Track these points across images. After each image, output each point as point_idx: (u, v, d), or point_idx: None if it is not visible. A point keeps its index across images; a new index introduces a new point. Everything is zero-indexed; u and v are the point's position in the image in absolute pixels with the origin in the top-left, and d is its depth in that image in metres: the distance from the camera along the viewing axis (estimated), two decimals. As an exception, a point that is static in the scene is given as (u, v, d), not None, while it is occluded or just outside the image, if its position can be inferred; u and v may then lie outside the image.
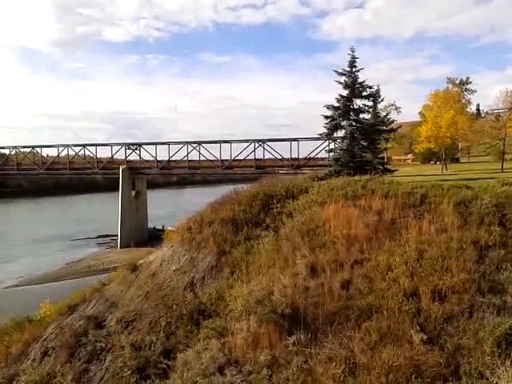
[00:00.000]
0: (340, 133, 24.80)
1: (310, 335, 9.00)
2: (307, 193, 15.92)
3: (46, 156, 64.68)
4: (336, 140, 30.91)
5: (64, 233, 60.41)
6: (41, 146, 61.82)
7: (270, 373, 8.60)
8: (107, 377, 11.68)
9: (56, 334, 13.89)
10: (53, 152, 63.85)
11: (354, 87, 23.62)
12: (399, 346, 8.21)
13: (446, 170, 36.36)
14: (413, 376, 7.52)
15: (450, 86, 58.00)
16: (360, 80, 23.76)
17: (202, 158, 52.35)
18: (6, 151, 67.00)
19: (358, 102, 24.13)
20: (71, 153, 58.66)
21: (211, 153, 51.79)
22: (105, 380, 11.66)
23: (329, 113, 24.08)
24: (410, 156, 67.71)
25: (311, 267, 10.95)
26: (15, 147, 63.42)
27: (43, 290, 32.67)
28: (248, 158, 49.47)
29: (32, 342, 14.35)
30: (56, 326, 14.34)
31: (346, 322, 9.18)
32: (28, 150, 63.22)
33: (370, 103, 25.19)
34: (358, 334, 8.72)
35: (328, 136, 26.60)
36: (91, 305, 14.57)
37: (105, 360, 12.14)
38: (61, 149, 59.10)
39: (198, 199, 40.86)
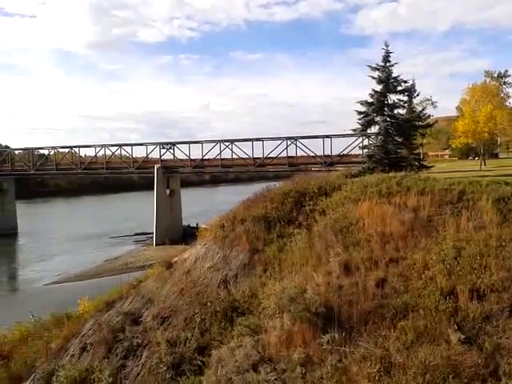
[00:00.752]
0: (374, 129, 24.47)
1: (344, 334, 8.93)
2: (340, 190, 15.76)
3: (83, 156, 66.39)
4: (370, 136, 30.52)
5: (101, 231, 61.93)
6: (78, 146, 63.53)
7: (304, 371, 8.57)
8: (143, 372, 11.86)
9: (94, 330, 14.20)
10: (90, 152, 65.58)
11: (388, 82, 23.23)
12: (436, 345, 8.04)
13: (485, 165, 35.32)
14: (450, 376, 7.35)
15: (488, 80, 56.08)
16: (394, 74, 23.36)
17: (235, 157, 52.65)
18: (46, 151, 69.23)
19: (393, 97, 23.75)
20: (108, 153, 60.04)
21: (243, 151, 52.03)
22: (141, 376, 11.85)
23: (362, 108, 23.79)
24: (447, 152, 66.11)
25: (345, 265, 10.84)
26: (54, 147, 65.38)
27: (81, 287, 33.57)
28: (280, 155, 49.42)
29: (71, 337, 14.70)
30: (94, 322, 14.67)
31: (381, 321, 9.05)
32: (66, 150, 65.07)
33: (405, 98, 24.77)
34: (394, 333, 8.59)
35: (362, 132, 26.29)
36: (128, 301, 14.85)
37: (141, 356, 12.34)
38: (98, 149, 60.60)
39: (230, 197, 41.13)
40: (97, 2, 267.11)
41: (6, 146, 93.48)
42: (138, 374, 11.85)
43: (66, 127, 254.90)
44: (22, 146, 74.74)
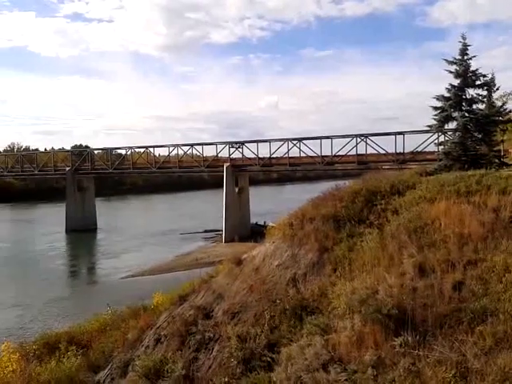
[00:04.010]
0: (451, 125, 23.37)
1: (418, 337, 8.64)
2: (414, 189, 15.20)
3: (158, 155, 69.16)
4: (446, 133, 29.20)
5: (173, 227, 64.24)
6: (153, 146, 66.37)
7: (375, 373, 8.40)
8: (214, 366, 12.11)
9: (168, 322, 14.73)
10: (164, 152, 68.36)
11: (466, 76, 22.07)
12: (517, 352, 7.58)
13: None
14: (532, 386, 6.91)
15: None
16: (473, 68, 22.15)
17: (303, 155, 52.47)
18: (123, 151, 72.82)
19: (471, 92, 22.54)
20: (180, 152, 62.20)
21: (312, 149, 51.72)
22: (212, 369, 12.10)
23: (438, 104, 22.78)
24: (530, 148, 61.78)
25: (419, 267, 10.47)
26: (130, 148, 68.77)
27: (155, 281, 35.06)
28: (349, 153, 48.60)
29: (146, 329, 15.31)
30: (168, 314, 15.22)
31: (457, 325, 8.67)
32: (142, 150, 68.21)
33: (485, 92, 23.40)
34: (471, 338, 8.19)
35: (438, 128, 25.21)
36: (200, 295, 15.25)
37: (212, 349, 12.62)
38: (171, 148, 63.01)
39: (297, 196, 41.04)
40: (170, 4, 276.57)
41: (86, 146, 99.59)
42: (209, 367, 12.12)
43: (142, 128, 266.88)
44: (101, 146, 78.89)
